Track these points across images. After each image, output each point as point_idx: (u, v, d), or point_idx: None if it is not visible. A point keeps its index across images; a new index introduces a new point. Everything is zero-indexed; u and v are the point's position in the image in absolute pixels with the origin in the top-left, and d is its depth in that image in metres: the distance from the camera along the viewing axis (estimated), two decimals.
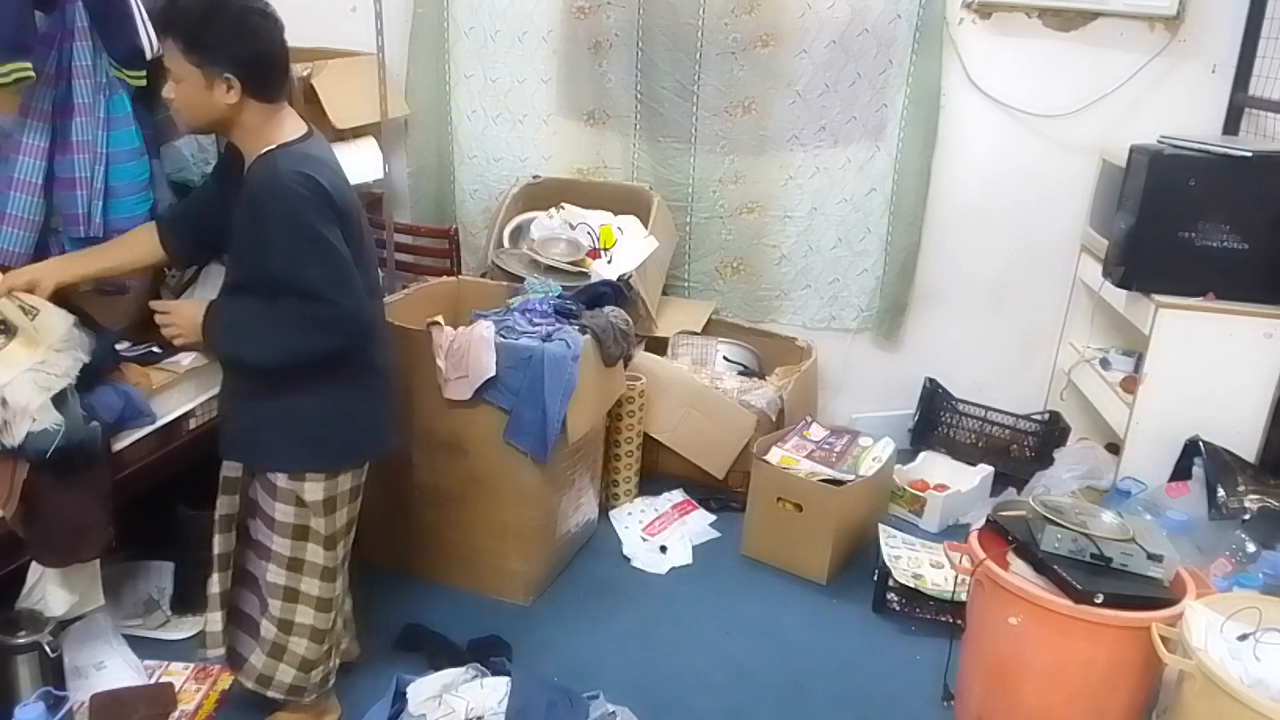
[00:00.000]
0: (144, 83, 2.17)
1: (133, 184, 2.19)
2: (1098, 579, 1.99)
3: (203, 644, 2.13)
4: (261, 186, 1.80)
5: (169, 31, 1.78)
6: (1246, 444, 2.82)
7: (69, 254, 2.11)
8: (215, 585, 2.08)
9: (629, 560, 2.96)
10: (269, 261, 1.79)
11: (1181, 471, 2.82)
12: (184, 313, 1.91)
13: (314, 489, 1.96)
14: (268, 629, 2.07)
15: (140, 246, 2.07)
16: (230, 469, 2.07)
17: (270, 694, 2.11)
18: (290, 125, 1.88)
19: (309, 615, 2.05)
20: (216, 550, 2.08)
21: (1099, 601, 1.95)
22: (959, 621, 2.42)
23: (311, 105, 3.10)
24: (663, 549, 3.00)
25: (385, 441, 2.11)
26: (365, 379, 2.01)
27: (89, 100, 2.07)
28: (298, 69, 3.02)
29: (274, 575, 2.03)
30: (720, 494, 3.29)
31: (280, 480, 1.97)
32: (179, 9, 1.77)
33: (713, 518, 3.21)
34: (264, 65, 1.80)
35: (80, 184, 2.09)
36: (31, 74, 1.92)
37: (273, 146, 1.83)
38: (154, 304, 1.94)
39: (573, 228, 3.42)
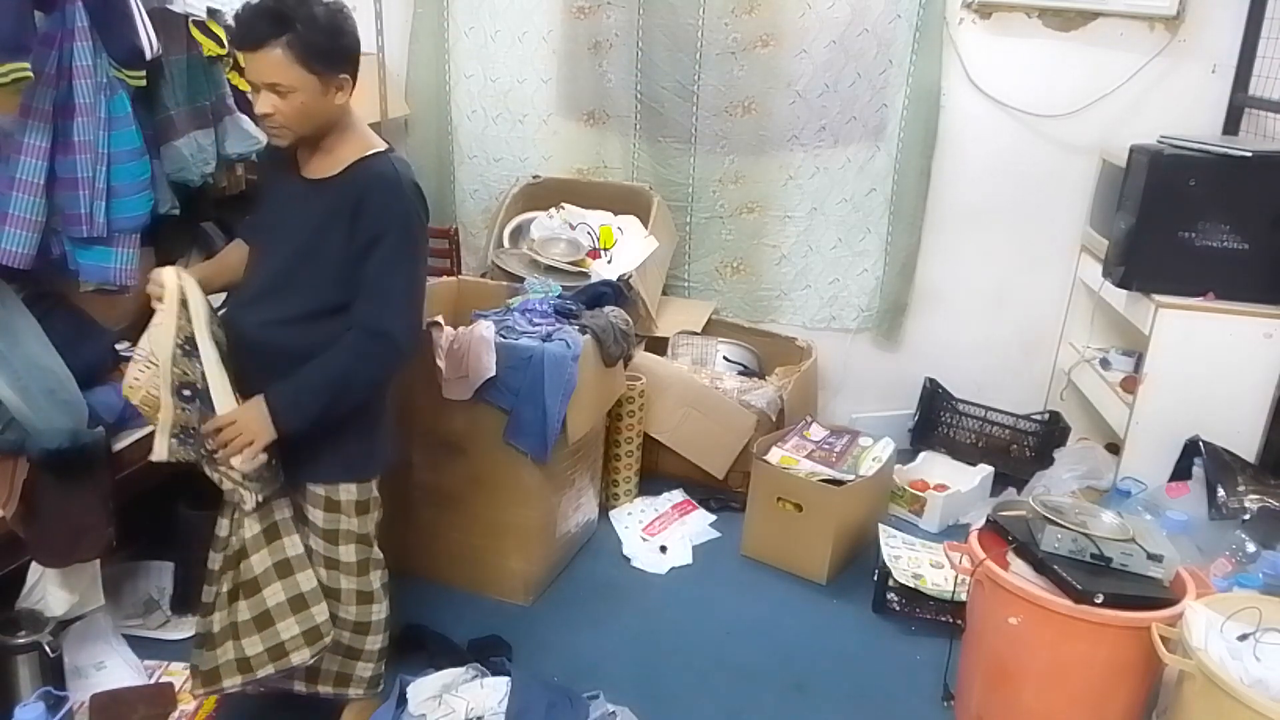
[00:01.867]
0: (144, 83, 2.17)
1: (134, 184, 2.19)
2: (1098, 579, 1.99)
3: (279, 655, 1.99)
4: (385, 186, 1.79)
5: (277, 43, 1.66)
6: (1246, 444, 2.81)
7: (205, 266, 2.06)
8: (283, 593, 2.01)
9: (629, 560, 2.96)
10: (367, 257, 1.77)
11: (1181, 471, 2.81)
12: (248, 418, 1.76)
13: (348, 491, 1.97)
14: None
15: (237, 261, 2.01)
16: None
17: (350, 693, 2.13)
18: (373, 132, 1.90)
19: (351, 611, 2.06)
20: (268, 563, 1.99)
21: (1099, 601, 1.95)
22: (959, 621, 2.42)
23: None
24: (663, 549, 3.00)
25: (397, 447, 2.12)
26: (375, 401, 1.99)
27: (90, 100, 2.07)
28: None
29: (320, 577, 2.03)
30: (720, 494, 3.29)
31: (313, 486, 1.96)
32: (289, 17, 1.67)
33: (713, 518, 3.21)
34: (358, 60, 1.81)
35: (82, 184, 2.09)
36: (30, 74, 1.93)
37: (380, 150, 1.84)
38: (210, 425, 1.78)
39: (573, 228, 3.43)
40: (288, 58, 1.68)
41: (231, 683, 1.98)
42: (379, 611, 2.09)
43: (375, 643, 2.11)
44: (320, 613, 1.99)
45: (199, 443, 1.81)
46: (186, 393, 1.78)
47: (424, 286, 1.92)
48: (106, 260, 2.19)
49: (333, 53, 1.72)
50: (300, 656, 1.97)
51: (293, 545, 1.97)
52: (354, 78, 1.80)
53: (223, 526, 1.99)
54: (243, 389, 1.84)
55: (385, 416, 2.04)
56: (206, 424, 1.79)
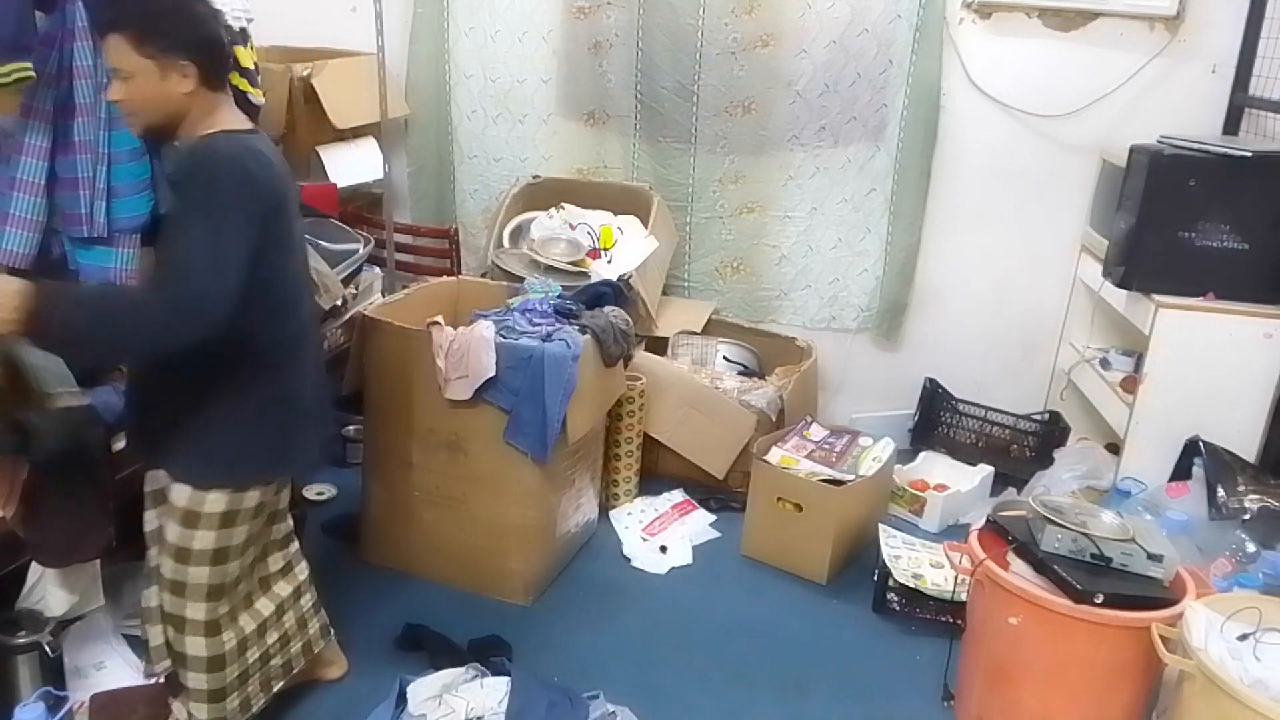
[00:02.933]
0: None
1: (134, 184, 2.19)
2: (1098, 579, 1.99)
3: (148, 657, 2.06)
4: (192, 161, 1.74)
5: (114, 28, 1.71)
6: (1246, 444, 2.81)
7: None
8: (153, 599, 2.00)
9: (629, 560, 2.96)
10: (172, 227, 1.72)
11: (1181, 471, 2.81)
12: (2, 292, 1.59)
13: (216, 501, 1.86)
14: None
15: None
16: (155, 481, 1.99)
17: None
18: (236, 117, 1.86)
19: (200, 645, 1.93)
20: (153, 563, 2.00)
21: (1099, 601, 1.95)
22: (959, 621, 2.42)
23: (311, 105, 3.10)
24: (663, 549, 3.00)
25: (295, 463, 2.03)
26: (266, 403, 1.89)
27: (90, 100, 2.07)
28: (298, 69, 3.02)
29: (163, 602, 1.97)
30: (720, 494, 3.29)
31: (178, 497, 1.86)
32: (129, 7, 1.73)
33: (713, 518, 3.21)
34: (213, 50, 1.79)
35: (83, 184, 2.09)
36: (32, 74, 1.93)
37: (215, 130, 1.79)
38: None
39: (573, 228, 3.43)
40: (124, 43, 1.71)
41: (163, 666, 2.05)
42: (226, 643, 1.95)
43: (201, 681, 1.95)
44: (155, 635, 2.03)
45: None
46: None
47: (225, 253, 1.68)
48: (107, 261, 2.19)
49: (167, 38, 1.71)
50: (162, 665, 2.04)
51: (154, 556, 2.01)
52: (203, 65, 1.75)
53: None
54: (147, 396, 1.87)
55: (268, 429, 1.90)
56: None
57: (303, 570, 2.20)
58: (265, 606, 2.08)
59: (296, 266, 1.93)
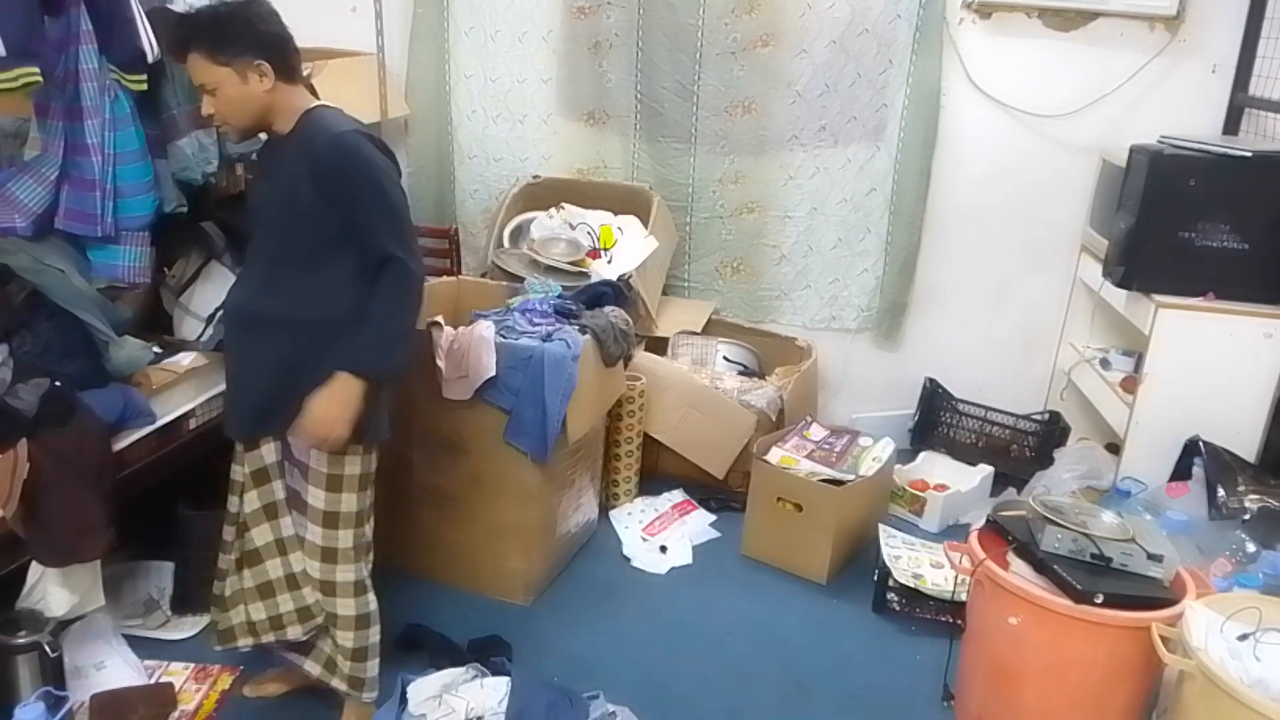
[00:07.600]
0: (145, 86, 2.18)
1: (139, 184, 2.22)
2: (1098, 579, 1.99)
3: (278, 626, 2.12)
4: (333, 139, 1.86)
5: (189, 47, 1.82)
6: (1246, 444, 2.81)
7: None
8: (276, 570, 2.10)
9: (629, 560, 2.96)
10: (363, 203, 1.87)
11: (1181, 471, 2.82)
12: (332, 408, 1.88)
13: (353, 462, 2.00)
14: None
15: None
16: (256, 461, 2.05)
17: (334, 684, 2.14)
18: (311, 97, 1.98)
19: (349, 605, 2.07)
20: (269, 538, 2.09)
21: (1099, 601, 1.95)
22: (959, 621, 2.42)
23: None
24: (663, 549, 3.00)
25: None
26: None
27: (95, 102, 2.11)
28: None
29: (313, 571, 2.06)
30: (720, 494, 3.29)
31: (317, 462, 1.98)
32: (189, 25, 1.85)
33: (713, 518, 3.21)
34: (282, 45, 1.88)
35: (98, 185, 2.13)
36: (39, 78, 1.94)
37: (311, 106, 1.92)
38: (293, 432, 1.93)
39: (573, 228, 3.43)
40: (201, 58, 1.83)
41: (244, 642, 2.17)
42: (371, 603, 2.10)
43: (348, 639, 2.08)
44: (310, 594, 2.08)
45: None
46: None
47: (409, 213, 1.99)
48: (115, 259, 2.23)
49: (235, 42, 1.81)
50: (294, 631, 2.10)
51: (287, 526, 2.08)
52: (275, 62, 1.85)
53: (232, 503, 2.10)
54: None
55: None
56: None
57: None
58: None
59: None
